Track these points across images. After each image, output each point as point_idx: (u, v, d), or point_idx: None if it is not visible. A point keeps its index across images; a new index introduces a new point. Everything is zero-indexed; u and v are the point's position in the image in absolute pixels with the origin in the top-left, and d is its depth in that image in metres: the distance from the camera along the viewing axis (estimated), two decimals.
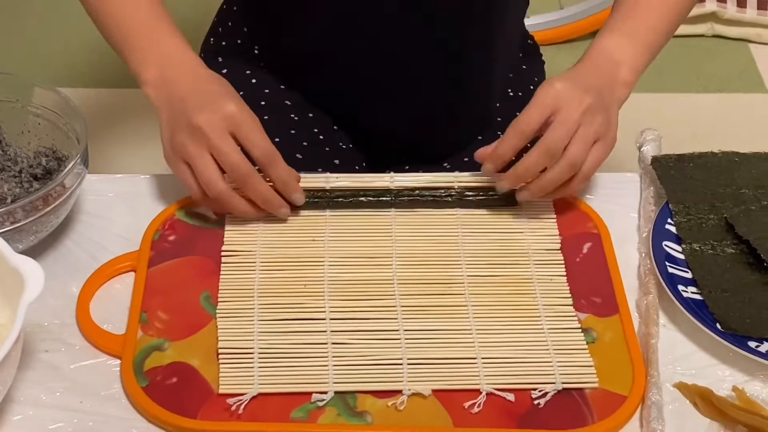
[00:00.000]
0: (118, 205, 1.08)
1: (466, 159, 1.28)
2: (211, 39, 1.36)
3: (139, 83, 1.06)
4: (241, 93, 1.27)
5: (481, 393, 0.90)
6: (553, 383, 0.91)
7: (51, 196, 0.98)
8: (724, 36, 2.54)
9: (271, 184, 1.02)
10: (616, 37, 1.09)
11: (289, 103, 1.27)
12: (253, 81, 1.29)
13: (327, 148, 1.26)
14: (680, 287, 0.99)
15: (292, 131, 1.25)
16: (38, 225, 0.99)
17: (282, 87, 1.29)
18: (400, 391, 0.90)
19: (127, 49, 1.07)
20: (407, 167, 1.27)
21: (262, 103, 1.27)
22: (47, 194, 0.98)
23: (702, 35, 2.54)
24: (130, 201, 1.09)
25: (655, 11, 1.11)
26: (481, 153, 1.05)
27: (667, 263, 1.01)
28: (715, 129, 2.26)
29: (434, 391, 0.90)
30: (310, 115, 1.28)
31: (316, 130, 1.26)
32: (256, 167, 1.01)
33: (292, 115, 1.26)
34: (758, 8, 2.51)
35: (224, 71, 1.31)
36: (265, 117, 1.25)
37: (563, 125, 1.00)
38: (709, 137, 2.17)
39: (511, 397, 0.90)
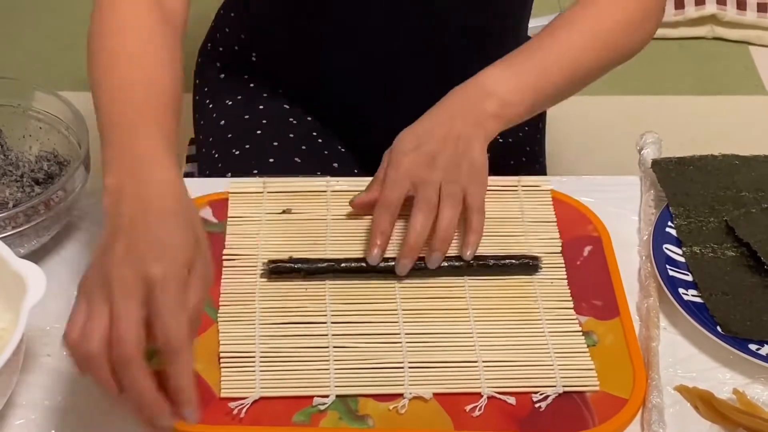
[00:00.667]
0: None
1: None
2: (209, 44, 1.37)
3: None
4: (239, 97, 1.28)
5: (482, 396, 0.90)
6: (554, 386, 0.91)
7: (53, 200, 0.98)
8: (724, 38, 2.54)
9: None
10: (499, 69, 1.05)
11: (287, 107, 1.28)
12: (251, 85, 1.29)
13: (326, 152, 1.26)
14: (681, 290, 0.99)
15: (291, 135, 1.25)
16: (40, 229, 0.99)
17: (280, 91, 1.29)
18: (401, 395, 0.90)
19: (102, 142, 0.89)
20: None
21: (261, 107, 1.27)
22: (49, 199, 0.98)
23: (702, 37, 2.54)
24: None
25: (553, 58, 1.07)
26: (356, 203, 1.04)
27: (667, 266, 1.01)
28: (715, 131, 2.26)
29: (435, 394, 0.90)
30: (309, 118, 1.28)
31: (314, 134, 1.27)
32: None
33: (291, 119, 1.27)
34: (758, 10, 2.51)
35: (222, 76, 1.32)
36: (264, 121, 1.25)
37: (426, 206, 0.98)
38: (709, 140, 2.17)
39: (512, 400, 0.90)
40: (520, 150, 1.31)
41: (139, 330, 0.76)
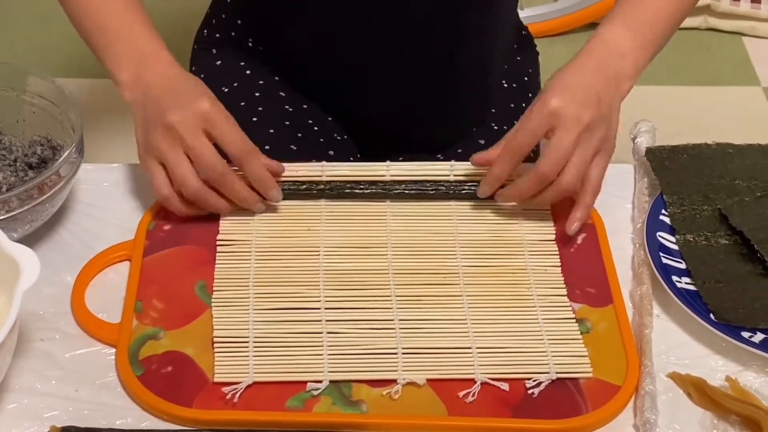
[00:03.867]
0: (113, 195, 1.08)
1: (460, 150, 1.28)
2: (205, 31, 1.36)
3: (115, 84, 1.06)
4: (235, 84, 1.28)
5: (475, 382, 0.90)
6: (548, 373, 0.91)
7: (46, 184, 0.98)
8: (717, 29, 2.54)
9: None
10: (620, 28, 1.06)
11: (283, 94, 1.27)
12: (248, 72, 1.29)
13: (321, 139, 1.26)
14: (674, 278, 0.99)
15: (287, 122, 1.25)
16: (33, 214, 0.99)
17: (276, 78, 1.29)
18: (394, 381, 0.90)
19: (101, 48, 1.06)
20: (401, 158, 1.28)
21: (257, 94, 1.27)
22: (42, 183, 0.98)
23: (696, 28, 2.54)
24: (126, 190, 1.09)
25: (658, 7, 1.09)
26: (476, 159, 1.05)
27: (661, 254, 1.01)
28: (708, 122, 2.27)
29: (429, 380, 0.91)
30: (305, 106, 1.28)
31: (310, 121, 1.26)
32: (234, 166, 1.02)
33: (287, 107, 1.27)
34: (752, 1, 2.51)
35: (218, 63, 1.31)
36: (260, 108, 1.25)
37: (557, 152, 0.99)
38: (703, 130, 2.17)
39: (505, 386, 0.90)
40: None
41: (215, 152, 0.99)
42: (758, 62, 2.46)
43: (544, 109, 0.99)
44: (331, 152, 1.24)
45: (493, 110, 1.32)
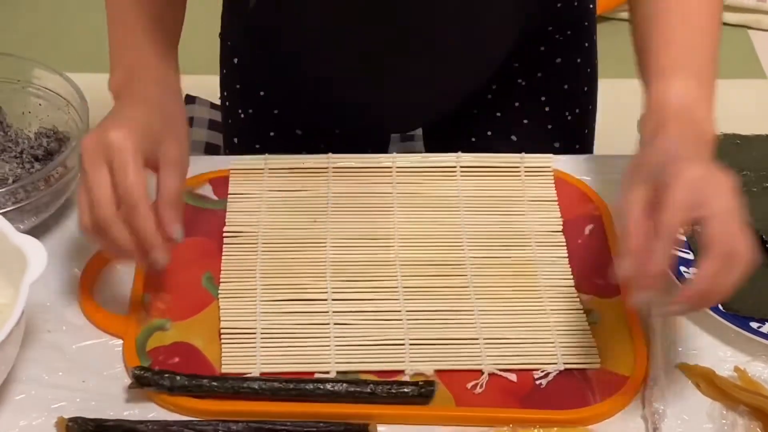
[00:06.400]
0: None
1: (473, 140, 1.27)
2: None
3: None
4: (238, 86, 1.27)
5: (483, 373, 0.90)
6: (556, 363, 0.91)
7: (52, 176, 0.98)
8: (723, 22, 2.53)
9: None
10: (683, 80, 0.99)
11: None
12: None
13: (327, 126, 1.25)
14: (682, 268, 0.99)
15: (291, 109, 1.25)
16: (40, 206, 0.99)
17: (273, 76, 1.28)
18: (402, 371, 0.90)
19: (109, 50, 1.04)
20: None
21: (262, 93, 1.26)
22: (49, 175, 0.98)
23: None
24: None
25: (712, 46, 1.05)
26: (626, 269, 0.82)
27: None
28: (715, 114, 2.26)
29: (436, 371, 0.90)
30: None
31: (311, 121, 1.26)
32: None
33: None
34: None
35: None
36: (249, 111, 1.25)
37: (734, 223, 0.84)
38: None
39: (513, 377, 0.90)
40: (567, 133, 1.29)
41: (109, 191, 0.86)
42: (764, 55, 2.45)
43: (686, 182, 0.83)
44: (338, 130, 1.24)
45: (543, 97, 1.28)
